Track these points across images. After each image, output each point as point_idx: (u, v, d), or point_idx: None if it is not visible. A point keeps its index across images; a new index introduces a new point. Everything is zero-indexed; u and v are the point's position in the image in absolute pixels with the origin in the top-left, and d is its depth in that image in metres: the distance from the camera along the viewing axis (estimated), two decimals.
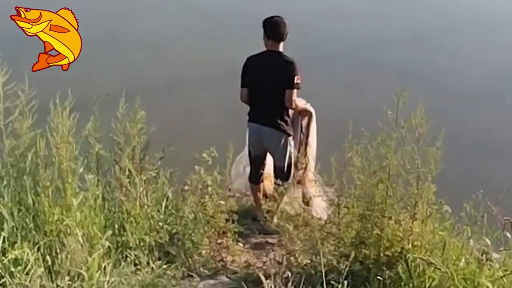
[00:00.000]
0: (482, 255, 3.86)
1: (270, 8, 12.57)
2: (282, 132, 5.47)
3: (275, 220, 5.03)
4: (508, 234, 3.76)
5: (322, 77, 9.18)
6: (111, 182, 4.53)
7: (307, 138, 5.83)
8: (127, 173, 4.49)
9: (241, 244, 5.28)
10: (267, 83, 5.37)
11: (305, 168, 5.77)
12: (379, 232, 4.11)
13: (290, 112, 5.52)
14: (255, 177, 5.77)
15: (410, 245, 3.99)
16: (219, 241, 4.96)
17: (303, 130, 5.80)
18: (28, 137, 3.98)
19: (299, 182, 5.78)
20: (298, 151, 5.74)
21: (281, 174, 5.51)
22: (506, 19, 14.18)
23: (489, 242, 3.78)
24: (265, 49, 5.44)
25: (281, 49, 5.41)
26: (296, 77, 5.27)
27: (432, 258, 3.68)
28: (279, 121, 5.45)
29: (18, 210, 3.87)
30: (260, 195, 5.82)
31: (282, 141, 5.49)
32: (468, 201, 3.93)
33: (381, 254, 4.07)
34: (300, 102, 5.63)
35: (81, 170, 4.06)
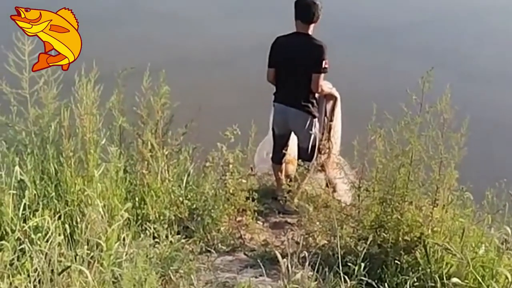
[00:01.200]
0: (502, 243, 3.82)
1: None
2: (307, 114, 5.45)
3: (296, 200, 5.03)
4: None
5: (344, 59, 9.08)
6: (133, 156, 4.55)
7: (331, 122, 5.77)
8: (149, 147, 4.51)
9: (260, 223, 5.30)
10: (295, 65, 5.34)
11: (329, 152, 5.75)
12: (399, 217, 4.08)
13: (317, 94, 5.49)
14: (278, 158, 5.77)
15: (429, 231, 3.96)
16: (239, 218, 4.97)
17: (327, 114, 5.74)
18: (52, 107, 4.02)
19: (322, 166, 5.74)
20: (322, 135, 5.70)
21: (305, 155, 5.51)
22: None
23: (509, 231, 3.75)
24: (295, 30, 5.39)
25: (311, 31, 5.36)
26: (324, 61, 5.23)
27: (451, 245, 3.65)
28: (305, 102, 5.43)
29: (41, 178, 3.92)
30: (282, 176, 5.81)
31: (308, 122, 5.48)
32: (490, 188, 3.90)
33: (400, 239, 4.04)
34: (325, 85, 5.59)
35: (103, 142, 4.08)
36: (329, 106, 5.73)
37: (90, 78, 4.04)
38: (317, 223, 4.54)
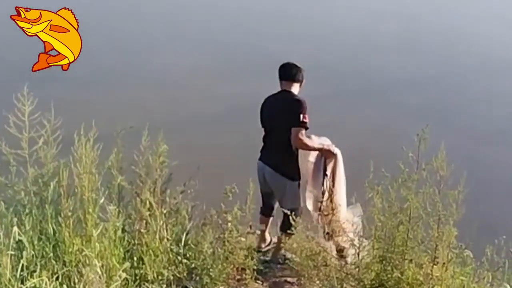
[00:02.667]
0: None
1: (291, 47, 12.81)
2: (281, 175, 5.37)
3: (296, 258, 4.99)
4: None
5: (343, 115, 9.20)
6: (132, 214, 4.54)
7: (333, 183, 5.51)
8: (147, 205, 4.51)
9: (260, 282, 5.23)
10: (275, 122, 5.37)
11: (332, 213, 5.59)
12: (399, 275, 4.07)
13: (311, 157, 5.48)
14: (265, 209, 5.70)
15: None
16: (238, 277, 4.92)
17: (328, 173, 5.51)
18: (51, 167, 4.04)
19: (330, 234, 5.54)
20: (322, 195, 5.54)
21: (283, 219, 5.38)
22: None
23: None
24: None
25: (294, 90, 5.40)
26: (301, 115, 5.16)
27: None
28: (281, 164, 5.38)
29: (39, 238, 3.91)
30: (266, 229, 5.75)
31: (282, 184, 5.40)
32: (489, 246, 3.89)
33: None
34: (324, 141, 5.49)
35: (102, 201, 4.09)
36: (329, 165, 5.51)
37: (89, 137, 4.06)
38: (317, 281, 4.51)
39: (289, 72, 5.42)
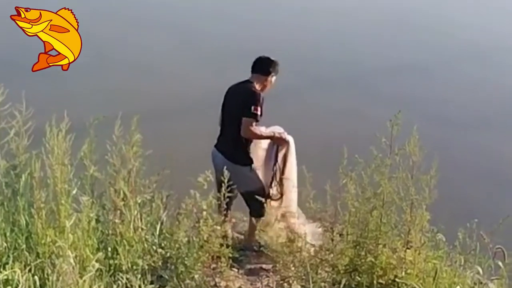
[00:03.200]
0: (476, 284, 3.85)
1: (267, 36, 12.80)
2: (234, 163, 5.36)
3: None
4: (500, 263, 3.75)
5: (317, 103, 9.21)
6: (106, 205, 4.52)
7: (283, 170, 5.61)
8: (122, 195, 4.49)
9: (235, 270, 5.25)
10: (230, 111, 5.44)
11: (281, 198, 5.65)
12: (373, 260, 4.10)
13: (263, 144, 5.52)
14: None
15: (403, 273, 3.98)
16: (213, 266, 4.93)
17: (279, 160, 5.59)
18: (23, 158, 4.01)
19: (283, 216, 5.62)
20: (271, 183, 5.58)
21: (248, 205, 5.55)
22: (506, 49, 14.27)
23: (481, 271, 3.78)
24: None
25: (256, 81, 5.42)
26: (253, 107, 5.21)
27: (424, 287, 3.66)
28: (232, 151, 5.43)
29: (11, 230, 3.89)
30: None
31: (234, 171, 5.35)
32: (461, 229, 3.94)
33: (374, 282, 4.06)
34: (276, 129, 5.55)
35: (74, 192, 4.06)
36: (281, 152, 5.59)
37: (61, 128, 4.03)
38: (292, 268, 4.53)
39: (256, 64, 5.48)
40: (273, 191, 5.58)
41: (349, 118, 9.76)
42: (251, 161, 5.46)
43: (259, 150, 5.56)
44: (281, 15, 15.27)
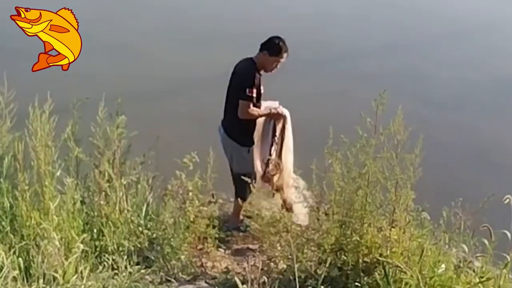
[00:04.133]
0: (461, 262, 3.87)
1: (253, 18, 12.75)
2: (233, 141, 5.50)
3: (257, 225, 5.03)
4: (486, 241, 3.77)
5: (303, 83, 9.19)
6: (90, 187, 4.51)
7: (281, 143, 5.69)
8: (106, 177, 4.47)
9: (222, 250, 5.28)
10: (230, 87, 5.50)
11: (280, 173, 5.71)
12: (358, 239, 4.11)
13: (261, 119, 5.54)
14: None
15: (388, 252, 3.99)
16: (200, 246, 4.94)
17: (277, 134, 5.67)
18: (6, 140, 3.98)
19: (277, 189, 5.72)
20: (268, 159, 5.65)
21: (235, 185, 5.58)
22: (489, 28, 14.30)
23: (466, 249, 3.81)
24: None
25: (257, 57, 5.41)
26: (247, 89, 5.24)
27: (408, 265, 3.68)
28: (232, 127, 5.50)
29: None
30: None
31: (232, 147, 5.53)
32: (446, 208, 3.96)
33: (360, 261, 4.07)
34: (272, 104, 5.60)
35: (58, 174, 4.04)
36: (278, 126, 5.67)
37: (44, 109, 4.00)
38: (278, 247, 4.55)
39: (263, 42, 5.43)
40: (271, 166, 5.60)
41: (334, 98, 9.77)
42: (250, 143, 5.51)
43: (259, 126, 5.62)
44: None
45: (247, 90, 5.23)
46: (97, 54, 10.44)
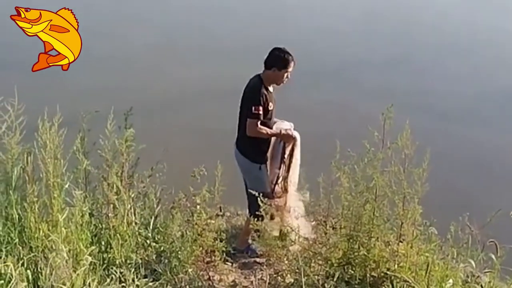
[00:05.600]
0: (468, 277, 3.87)
1: (255, 32, 12.78)
2: (245, 157, 5.46)
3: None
4: (493, 256, 3.76)
5: (310, 97, 9.23)
6: (99, 199, 4.52)
7: (288, 168, 5.58)
8: (115, 189, 4.49)
9: (229, 264, 5.26)
10: (241, 106, 5.46)
11: (285, 193, 5.60)
12: (366, 253, 4.11)
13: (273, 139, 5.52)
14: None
15: (396, 266, 3.99)
16: (207, 260, 4.94)
17: (286, 156, 5.56)
18: (16, 152, 4.00)
19: (277, 210, 5.58)
20: (276, 180, 5.57)
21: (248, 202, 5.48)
22: (490, 42, 14.31)
23: (473, 264, 3.80)
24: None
25: (263, 74, 5.38)
26: (253, 107, 5.22)
27: (416, 279, 3.68)
28: (243, 145, 5.47)
29: (4, 224, 3.89)
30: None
31: (246, 166, 5.49)
32: (453, 223, 3.95)
33: (367, 275, 4.06)
34: (283, 125, 5.54)
35: (66, 186, 4.06)
36: (288, 148, 5.56)
37: (53, 122, 4.03)
38: (286, 261, 4.54)
39: (266, 59, 5.40)
40: (278, 188, 5.55)
41: (340, 112, 9.79)
42: (261, 160, 5.46)
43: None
44: (270, 11, 15.24)
45: (253, 108, 5.22)
46: (105, 68, 10.53)
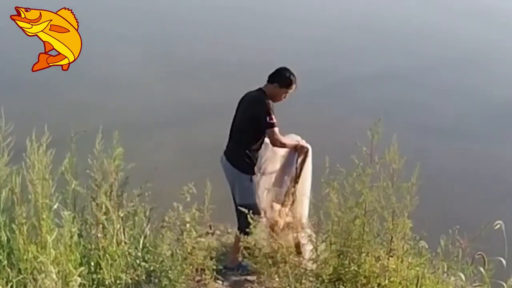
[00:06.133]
0: None
1: (244, 46, 12.79)
2: (233, 167, 5.51)
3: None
4: (482, 269, 3.78)
5: (297, 112, 9.22)
6: (88, 219, 4.50)
7: (299, 175, 5.66)
8: (104, 209, 4.47)
9: (220, 282, 5.23)
10: (238, 118, 5.53)
11: (292, 204, 5.67)
12: (357, 268, 4.11)
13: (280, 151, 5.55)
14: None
15: (386, 281, 3.99)
16: (197, 278, 4.91)
17: (297, 166, 5.67)
18: (4, 174, 3.98)
19: (288, 226, 5.59)
20: (287, 190, 5.64)
21: (238, 218, 5.43)
22: (481, 55, 14.41)
23: (463, 277, 3.81)
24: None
25: (267, 89, 5.48)
26: (267, 117, 5.28)
27: None
28: (235, 155, 5.51)
29: None
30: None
31: (234, 175, 5.53)
32: (443, 236, 3.96)
33: None
34: (294, 138, 5.68)
35: (55, 207, 4.04)
36: (300, 158, 5.67)
37: (41, 143, 4.02)
38: (276, 279, 4.53)
39: (271, 74, 5.52)
40: (287, 200, 5.60)
41: (330, 127, 9.82)
42: (252, 172, 5.50)
43: (277, 157, 5.66)
44: (259, 24, 15.26)
45: (268, 118, 5.28)
46: (91, 87, 10.50)
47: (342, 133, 9.14)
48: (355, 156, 4.09)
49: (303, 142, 5.67)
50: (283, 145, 5.50)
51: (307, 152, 5.69)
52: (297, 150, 5.64)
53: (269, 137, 5.37)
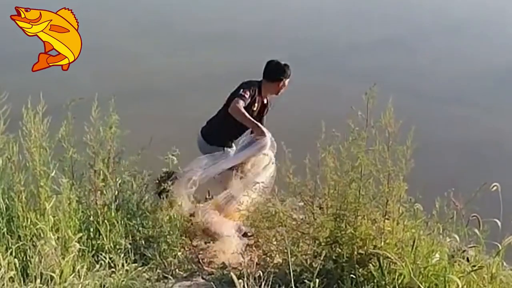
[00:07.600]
0: (455, 251, 3.91)
1: (238, 18, 12.70)
2: (204, 140, 5.54)
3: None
4: (476, 230, 3.82)
5: (293, 80, 9.26)
6: (86, 186, 4.53)
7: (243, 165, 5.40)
8: (101, 176, 4.50)
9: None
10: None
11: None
12: (353, 231, 4.14)
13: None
14: None
15: (382, 243, 4.03)
16: (195, 243, 4.98)
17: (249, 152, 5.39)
18: (0, 142, 4.00)
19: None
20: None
21: None
22: (480, 20, 14.34)
23: (458, 238, 3.85)
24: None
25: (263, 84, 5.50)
26: (241, 90, 5.26)
27: (403, 255, 3.73)
28: (208, 128, 5.57)
29: None
30: None
31: (204, 148, 5.53)
32: (438, 198, 3.99)
33: (355, 253, 4.09)
34: (265, 130, 5.33)
35: (52, 174, 4.06)
36: (255, 147, 5.32)
37: (37, 111, 4.02)
38: (274, 242, 4.59)
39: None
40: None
41: (326, 93, 9.82)
42: (222, 144, 5.49)
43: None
44: None
45: (241, 90, 5.25)
46: (88, 55, 10.43)
47: (337, 98, 9.14)
48: (351, 120, 4.10)
49: (268, 135, 5.31)
50: (241, 115, 5.21)
51: (264, 145, 5.31)
52: (254, 129, 5.33)
53: (232, 104, 5.23)
